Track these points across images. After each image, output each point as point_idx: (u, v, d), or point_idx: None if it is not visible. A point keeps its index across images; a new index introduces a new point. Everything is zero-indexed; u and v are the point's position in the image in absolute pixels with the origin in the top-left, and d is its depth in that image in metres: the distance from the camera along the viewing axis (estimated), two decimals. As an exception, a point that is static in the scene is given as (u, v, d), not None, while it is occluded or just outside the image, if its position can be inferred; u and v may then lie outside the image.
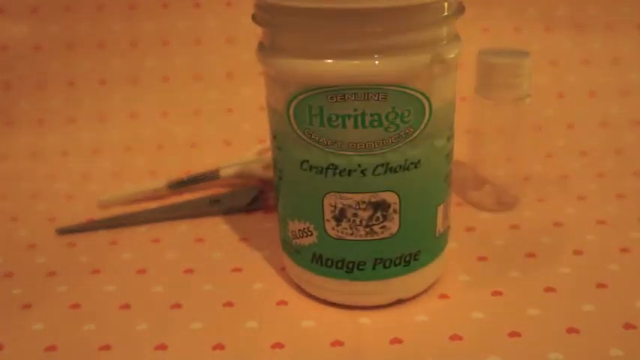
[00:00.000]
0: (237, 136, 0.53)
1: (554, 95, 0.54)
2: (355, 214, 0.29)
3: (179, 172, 0.50)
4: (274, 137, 0.30)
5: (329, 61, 0.25)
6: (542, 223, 0.41)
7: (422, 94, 0.27)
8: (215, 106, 0.54)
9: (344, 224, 0.29)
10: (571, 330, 0.30)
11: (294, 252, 0.32)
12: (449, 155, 0.31)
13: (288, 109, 0.27)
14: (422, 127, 0.27)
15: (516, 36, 0.55)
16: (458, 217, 0.42)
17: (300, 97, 0.27)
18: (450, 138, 0.30)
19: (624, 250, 0.37)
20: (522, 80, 0.39)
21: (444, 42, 0.27)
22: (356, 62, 0.25)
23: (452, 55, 0.27)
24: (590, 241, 0.38)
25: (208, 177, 0.47)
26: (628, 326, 0.30)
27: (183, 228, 0.42)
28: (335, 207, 0.29)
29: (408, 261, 0.30)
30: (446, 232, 0.33)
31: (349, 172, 0.28)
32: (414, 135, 0.27)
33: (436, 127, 0.28)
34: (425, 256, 0.31)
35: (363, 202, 0.28)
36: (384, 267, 0.30)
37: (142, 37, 0.55)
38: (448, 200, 0.32)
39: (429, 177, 0.29)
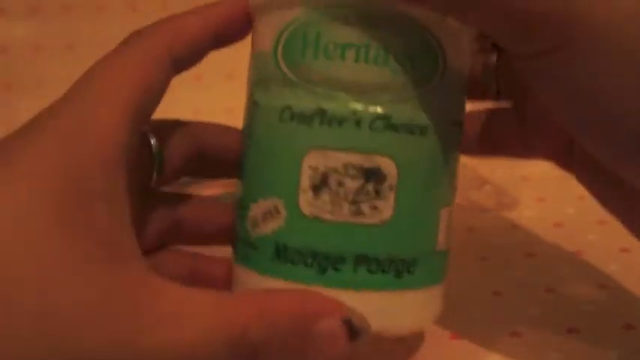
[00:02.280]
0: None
1: (554, 95, 0.54)
2: (340, 183, 0.22)
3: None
4: (251, 94, 0.25)
5: None
6: (542, 223, 0.41)
7: (435, 38, 0.22)
8: (215, 107, 0.54)
9: (324, 196, 0.22)
10: (571, 330, 0.30)
11: (251, 249, 0.24)
12: (458, 149, 0.25)
13: (277, 44, 0.23)
14: (434, 82, 0.23)
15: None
16: (458, 217, 0.42)
17: (295, 23, 0.22)
18: (461, 125, 0.25)
19: (624, 250, 0.37)
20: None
21: None
22: None
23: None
24: (590, 241, 0.38)
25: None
26: (628, 327, 0.30)
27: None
28: (316, 171, 0.22)
29: (399, 271, 0.23)
30: (446, 255, 0.25)
31: (340, 122, 0.22)
32: (425, 89, 0.23)
33: (448, 96, 0.24)
34: (421, 272, 0.24)
35: (353, 167, 0.22)
36: (369, 270, 0.23)
37: (142, 37, 0.55)
38: (451, 211, 0.25)
39: (435, 157, 0.23)
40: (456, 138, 0.25)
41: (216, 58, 0.56)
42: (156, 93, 0.22)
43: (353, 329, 0.20)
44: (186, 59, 0.23)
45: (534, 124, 0.28)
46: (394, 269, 0.23)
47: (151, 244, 0.26)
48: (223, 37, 0.24)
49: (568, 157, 0.28)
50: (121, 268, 0.18)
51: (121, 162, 0.20)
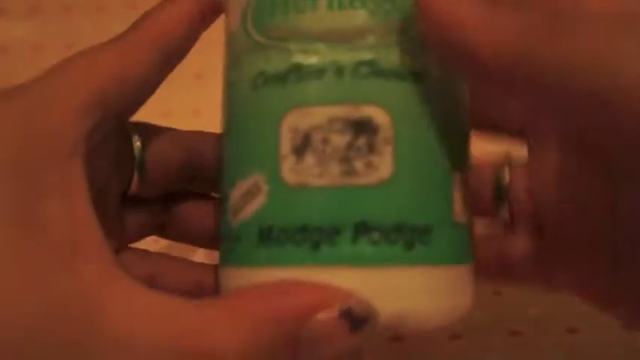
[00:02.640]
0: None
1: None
2: (326, 140, 0.19)
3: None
4: (225, 79, 0.23)
5: None
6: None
7: None
8: (215, 107, 0.54)
9: (308, 159, 0.19)
10: (571, 330, 0.30)
11: (234, 242, 0.21)
12: (464, 103, 0.22)
13: (245, 15, 0.21)
14: (419, 26, 0.20)
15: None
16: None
17: None
18: (465, 82, 0.22)
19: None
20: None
21: None
22: None
23: None
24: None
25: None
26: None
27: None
28: (296, 131, 0.19)
29: (410, 241, 0.19)
30: (468, 231, 0.21)
31: (318, 74, 0.19)
32: (411, 32, 0.20)
33: None
34: (439, 245, 0.20)
35: (338, 120, 0.19)
36: (371, 242, 0.19)
37: (142, 37, 0.55)
38: (466, 180, 0.22)
39: (436, 107, 0.20)
40: (458, 87, 0.22)
41: (216, 57, 0.56)
42: (135, 86, 0.20)
43: (355, 318, 0.17)
44: (176, 47, 0.22)
45: (555, 255, 0.23)
46: (403, 239, 0.19)
47: (132, 239, 0.25)
48: (208, 18, 0.23)
49: (593, 289, 0.23)
50: (77, 269, 0.16)
51: (77, 154, 0.18)
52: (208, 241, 0.25)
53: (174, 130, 0.26)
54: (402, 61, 0.20)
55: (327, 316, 0.17)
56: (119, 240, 0.24)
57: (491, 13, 0.17)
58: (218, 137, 0.24)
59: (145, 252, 0.25)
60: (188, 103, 0.56)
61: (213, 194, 0.26)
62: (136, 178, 0.23)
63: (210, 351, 0.16)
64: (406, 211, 0.19)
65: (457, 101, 0.22)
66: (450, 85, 0.21)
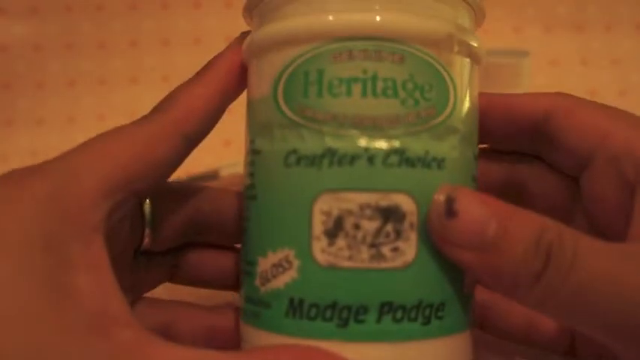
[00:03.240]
0: (238, 135, 0.53)
1: (554, 95, 0.54)
2: (357, 226, 0.20)
3: (179, 171, 0.50)
4: (251, 143, 0.24)
5: (333, 11, 0.21)
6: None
7: (444, 68, 0.21)
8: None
9: (340, 242, 0.20)
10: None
11: (262, 307, 0.22)
12: (476, 182, 0.23)
13: (276, 87, 0.22)
14: (446, 112, 0.21)
15: (516, 36, 0.55)
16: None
17: (295, 63, 0.21)
18: (476, 158, 0.24)
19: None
20: (522, 80, 0.39)
21: (466, 27, 0.23)
22: (366, 11, 0.21)
23: (474, 43, 0.23)
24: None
25: (208, 177, 0.47)
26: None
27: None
28: (329, 215, 0.20)
29: (427, 317, 0.21)
30: (471, 299, 0.23)
31: (352, 160, 0.20)
32: (437, 121, 0.21)
33: (463, 127, 0.22)
34: (450, 317, 0.21)
35: (369, 207, 0.20)
36: (394, 320, 0.20)
37: (142, 37, 0.55)
38: None
39: None
40: (472, 170, 0.23)
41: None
42: (156, 169, 0.22)
43: None
44: (199, 132, 0.23)
45: None
46: (422, 316, 0.21)
47: (145, 290, 0.26)
48: (231, 95, 0.24)
49: None
50: (106, 336, 0.17)
51: (99, 231, 0.19)
52: (217, 285, 0.27)
53: (181, 184, 0.27)
54: (428, 148, 0.21)
55: None
56: (134, 293, 0.25)
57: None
58: (222, 192, 0.27)
59: (158, 301, 0.26)
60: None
61: (219, 243, 0.28)
62: (147, 235, 0.25)
63: None
64: (426, 290, 0.21)
65: (467, 179, 0.23)
66: (465, 165, 0.22)
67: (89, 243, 0.19)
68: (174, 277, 0.27)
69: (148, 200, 0.25)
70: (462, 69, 0.22)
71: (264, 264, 0.22)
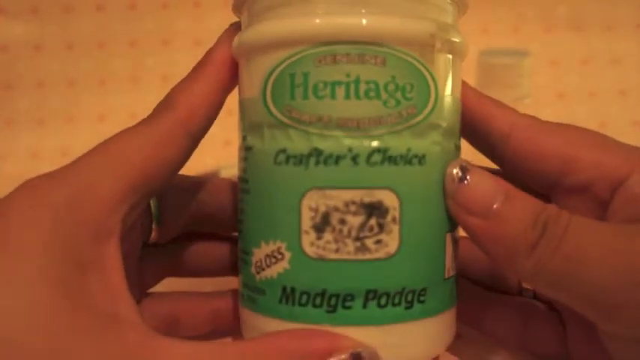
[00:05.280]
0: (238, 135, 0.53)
1: (553, 95, 0.54)
2: (342, 221, 0.22)
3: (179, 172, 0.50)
4: (244, 139, 0.24)
5: (317, 15, 0.22)
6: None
7: (425, 67, 0.22)
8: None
9: (327, 236, 0.22)
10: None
11: (258, 294, 0.24)
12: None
13: (264, 89, 0.23)
14: (427, 111, 0.22)
15: (516, 36, 0.55)
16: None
17: (282, 66, 0.22)
18: (458, 148, 0.25)
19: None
20: (522, 80, 0.39)
21: (449, 23, 0.24)
22: (349, 15, 0.22)
23: (457, 39, 0.23)
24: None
25: (208, 177, 0.47)
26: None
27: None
28: (316, 211, 0.22)
29: (410, 301, 0.22)
30: (454, 280, 0.25)
31: (337, 160, 0.22)
32: (418, 119, 0.22)
33: (443, 120, 0.23)
34: (432, 300, 0.23)
35: (354, 203, 0.22)
36: (379, 305, 0.22)
37: (141, 37, 0.55)
38: (456, 236, 0.25)
39: (435, 183, 0.23)
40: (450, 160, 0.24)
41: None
42: (166, 171, 0.22)
43: None
44: (203, 129, 0.24)
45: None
46: (405, 301, 0.22)
47: (150, 285, 0.27)
48: (228, 87, 0.25)
49: None
50: (118, 336, 0.18)
51: (114, 233, 0.20)
52: (217, 272, 0.28)
53: (182, 178, 0.27)
54: (410, 145, 0.22)
55: (340, 357, 0.20)
56: (140, 288, 0.26)
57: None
58: (221, 183, 0.28)
59: (162, 294, 0.27)
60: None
61: (219, 233, 0.29)
62: (154, 229, 0.25)
63: None
64: (408, 278, 0.23)
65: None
66: (446, 158, 0.23)
67: (104, 247, 0.20)
68: (176, 269, 0.28)
69: (154, 199, 0.25)
70: (444, 66, 0.23)
71: (259, 254, 0.23)
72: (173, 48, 0.55)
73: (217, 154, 0.52)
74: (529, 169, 0.24)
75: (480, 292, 0.28)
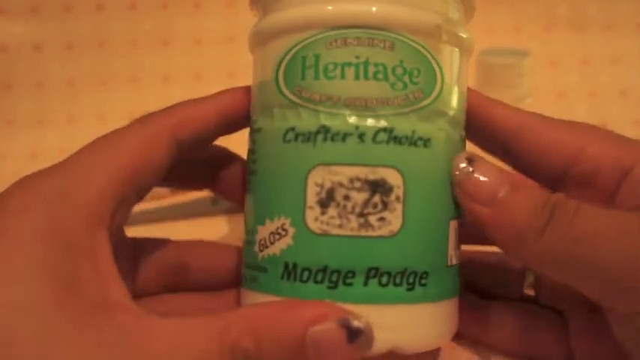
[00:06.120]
0: (238, 135, 0.53)
1: (554, 95, 0.54)
2: (347, 197, 0.22)
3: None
4: (254, 122, 0.25)
5: (329, 2, 0.23)
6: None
7: (432, 55, 0.23)
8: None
9: (331, 211, 0.22)
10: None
11: (260, 272, 0.24)
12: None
13: (277, 71, 0.24)
14: (433, 96, 0.23)
15: (516, 36, 0.55)
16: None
17: (295, 49, 0.23)
18: (463, 140, 0.25)
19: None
20: (522, 80, 0.39)
21: (455, 19, 0.24)
22: (360, 2, 0.23)
23: (463, 34, 0.24)
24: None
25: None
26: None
27: (183, 228, 0.42)
28: (322, 186, 0.22)
29: (412, 283, 0.23)
30: (457, 269, 0.25)
31: (344, 137, 0.22)
32: (424, 103, 0.23)
33: (449, 109, 0.24)
34: (434, 285, 0.23)
35: (358, 180, 0.22)
36: (380, 284, 0.22)
37: (141, 37, 0.55)
38: (458, 225, 0.25)
39: (440, 168, 0.23)
40: (459, 151, 0.24)
41: (216, 58, 0.56)
42: (154, 169, 0.23)
43: (352, 329, 0.20)
44: (192, 143, 0.25)
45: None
46: (406, 282, 0.23)
47: (155, 287, 0.27)
48: (230, 125, 0.26)
49: None
50: (107, 321, 0.19)
51: (104, 222, 0.21)
52: (226, 280, 0.28)
53: (162, 241, 0.28)
54: (415, 128, 0.23)
55: (327, 324, 0.20)
56: (133, 288, 0.26)
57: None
58: (207, 247, 0.29)
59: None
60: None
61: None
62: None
63: (237, 350, 0.19)
64: (410, 258, 0.23)
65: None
66: (452, 146, 0.24)
67: (94, 235, 0.20)
68: (179, 273, 0.28)
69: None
70: (450, 57, 0.24)
71: (263, 232, 0.24)
72: (173, 48, 0.55)
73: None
74: (536, 163, 0.24)
75: (478, 301, 0.28)
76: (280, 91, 0.23)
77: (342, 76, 0.23)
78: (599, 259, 0.20)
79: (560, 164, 0.24)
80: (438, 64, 0.23)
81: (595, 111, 0.53)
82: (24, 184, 0.21)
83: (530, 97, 0.39)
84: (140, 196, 0.24)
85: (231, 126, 0.26)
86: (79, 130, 0.53)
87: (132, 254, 0.26)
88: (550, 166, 0.24)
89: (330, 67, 0.23)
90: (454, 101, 0.24)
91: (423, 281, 0.23)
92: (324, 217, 0.22)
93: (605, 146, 0.23)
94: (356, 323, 0.20)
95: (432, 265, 0.23)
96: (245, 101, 0.26)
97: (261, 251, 0.24)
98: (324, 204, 0.22)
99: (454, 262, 0.24)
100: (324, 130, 0.23)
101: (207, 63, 0.55)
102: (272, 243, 0.23)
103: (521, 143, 0.24)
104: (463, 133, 0.25)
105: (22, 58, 0.55)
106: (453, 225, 0.24)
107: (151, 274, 0.27)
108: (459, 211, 0.24)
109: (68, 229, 0.20)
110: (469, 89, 0.25)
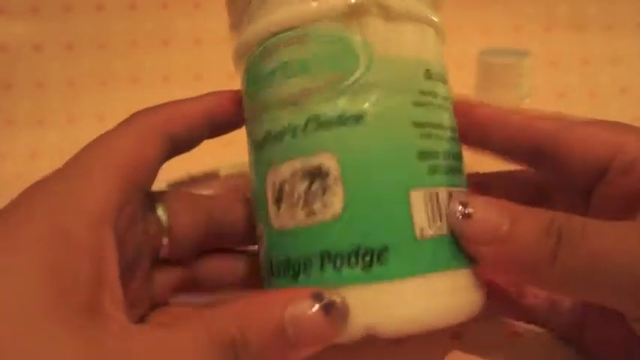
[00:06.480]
0: (239, 135, 0.53)
1: (554, 95, 0.54)
2: (292, 190, 0.23)
3: (179, 171, 0.50)
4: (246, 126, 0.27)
5: (258, 20, 0.25)
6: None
7: (351, 35, 0.24)
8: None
9: (283, 207, 0.23)
10: (571, 330, 0.30)
11: (261, 270, 0.26)
12: (423, 128, 0.24)
13: (243, 86, 0.26)
14: (358, 73, 0.23)
15: (516, 36, 0.55)
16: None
17: (247, 66, 0.25)
18: (420, 105, 0.24)
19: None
20: (522, 80, 0.39)
21: None
22: (268, 15, 0.24)
23: (391, 4, 0.24)
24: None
25: (208, 177, 0.47)
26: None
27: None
28: (274, 186, 0.24)
29: (368, 261, 0.22)
30: (439, 243, 0.23)
31: (281, 137, 0.24)
32: (348, 82, 0.23)
33: (387, 81, 0.23)
34: (397, 260, 0.22)
35: (297, 172, 0.23)
36: (334, 267, 0.22)
37: (141, 37, 0.55)
38: (438, 193, 0.23)
39: (380, 140, 0.23)
40: (412, 117, 0.24)
41: (216, 58, 0.56)
42: (150, 166, 0.24)
43: (326, 303, 0.21)
44: (182, 140, 0.25)
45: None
46: (362, 261, 0.22)
47: (164, 298, 0.27)
48: (220, 124, 0.27)
49: None
50: (98, 329, 0.19)
51: (107, 222, 0.21)
52: (233, 288, 0.29)
53: (191, 194, 0.28)
54: (342, 108, 0.23)
55: (302, 302, 0.21)
56: (150, 301, 0.26)
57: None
58: (236, 198, 0.28)
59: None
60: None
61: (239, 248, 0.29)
62: (165, 244, 0.26)
63: (221, 334, 0.20)
64: (361, 236, 0.22)
65: (402, 125, 0.24)
66: (396, 116, 0.24)
67: (99, 233, 0.20)
68: (190, 285, 0.28)
69: (161, 208, 0.26)
70: (375, 29, 0.24)
71: (257, 238, 0.26)
72: (173, 48, 0.55)
73: (217, 154, 0.52)
74: (580, 160, 0.24)
75: None
76: (246, 105, 0.26)
77: (272, 82, 0.24)
78: (621, 273, 0.20)
79: (604, 157, 0.24)
80: (361, 41, 0.23)
81: (595, 111, 0.53)
82: (30, 191, 0.21)
83: (530, 97, 0.39)
84: (146, 191, 0.25)
85: (217, 127, 0.27)
86: (79, 130, 0.53)
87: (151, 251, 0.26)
88: (593, 161, 0.24)
89: (263, 77, 0.25)
90: (392, 70, 0.24)
91: (383, 258, 0.22)
92: (280, 213, 0.24)
93: None
94: (327, 295, 0.21)
95: (392, 240, 0.22)
96: (230, 104, 0.26)
97: (260, 253, 0.26)
98: (278, 201, 0.24)
99: (429, 232, 0.23)
100: (268, 134, 0.24)
101: (207, 63, 0.55)
102: (260, 247, 0.25)
103: (565, 141, 0.24)
104: (418, 99, 0.24)
105: (22, 58, 0.55)
106: (418, 195, 0.23)
107: (186, 238, 0.27)
108: (430, 179, 0.23)
109: (73, 230, 0.20)
110: (490, 107, 0.26)
